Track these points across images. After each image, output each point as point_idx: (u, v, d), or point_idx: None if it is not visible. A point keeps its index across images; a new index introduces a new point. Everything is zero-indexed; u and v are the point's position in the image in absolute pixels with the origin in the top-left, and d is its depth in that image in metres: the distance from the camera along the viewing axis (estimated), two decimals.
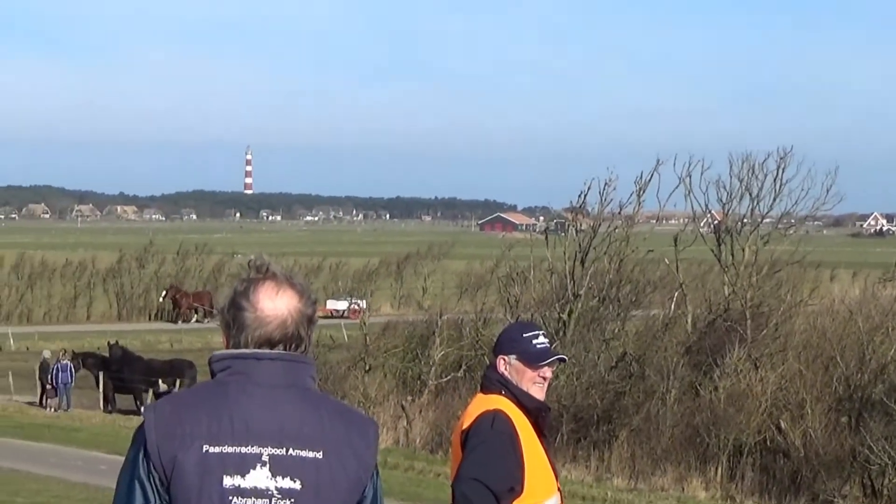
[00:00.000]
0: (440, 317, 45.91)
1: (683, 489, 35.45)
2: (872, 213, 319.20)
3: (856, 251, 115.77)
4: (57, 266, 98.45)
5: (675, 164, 46.33)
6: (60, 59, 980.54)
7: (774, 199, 46.96)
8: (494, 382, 7.99)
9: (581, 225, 46.04)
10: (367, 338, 46.63)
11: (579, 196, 46.16)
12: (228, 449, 4.54)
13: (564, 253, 44.45)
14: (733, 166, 47.01)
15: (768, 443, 36.04)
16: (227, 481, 4.49)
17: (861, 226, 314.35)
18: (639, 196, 46.21)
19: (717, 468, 35.71)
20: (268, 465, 4.56)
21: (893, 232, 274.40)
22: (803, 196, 46.93)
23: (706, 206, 47.84)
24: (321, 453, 4.66)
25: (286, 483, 4.55)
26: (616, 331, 42.73)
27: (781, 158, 46.67)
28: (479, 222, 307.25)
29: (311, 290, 5.02)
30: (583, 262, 44.23)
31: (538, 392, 7.96)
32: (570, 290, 43.23)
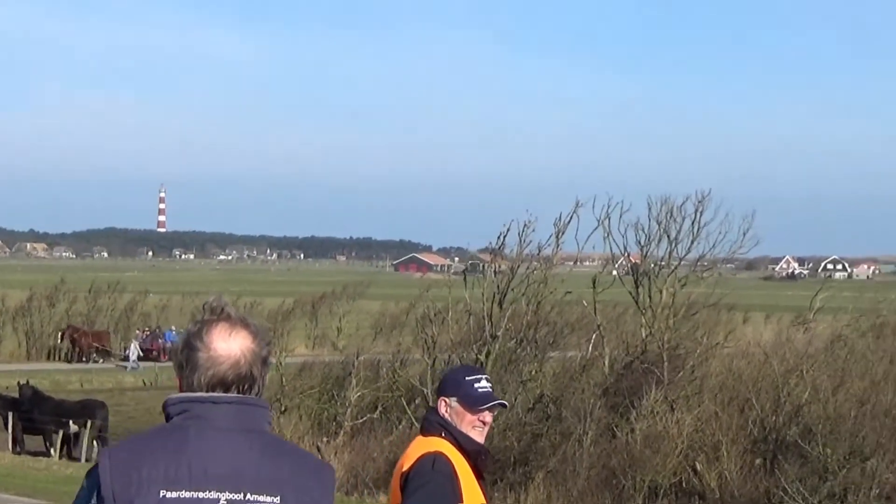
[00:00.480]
0: (357, 357, 46.00)
1: None
2: (784, 257, 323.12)
3: (768, 294, 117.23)
4: None
5: (594, 207, 46.68)
6: None
7: (692, 243, 47.40)
8: (435, 425, 8.16)
9: (499, 266, 46.19)
10: (283, 378, 46.63)
11: (498, 237, 46.31)
12: (186, 494, 4.62)
13: (482, 294, 44.59)
14: (652, 209, 47.42)
15: (684, 485, 36.37)
16: None
17: (773, 269, 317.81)
18: (557, 238, 46.39)
19: None
20: None
21: (804, 275, 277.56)
22: (721, 239, 47.48)
23: (625, 248, 48.26)
24: (278, 498, 4.77)
25: None
26: (533, 372, 42.88)
27: (699, 202, 47.07)
28: (394, 263, 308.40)
29: (266, 332, 5.19)
30: (501, 304, 44.40)
31: (478, 435, 8.12)
32: (488, 331, 43.37)
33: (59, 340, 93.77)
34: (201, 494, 4.68)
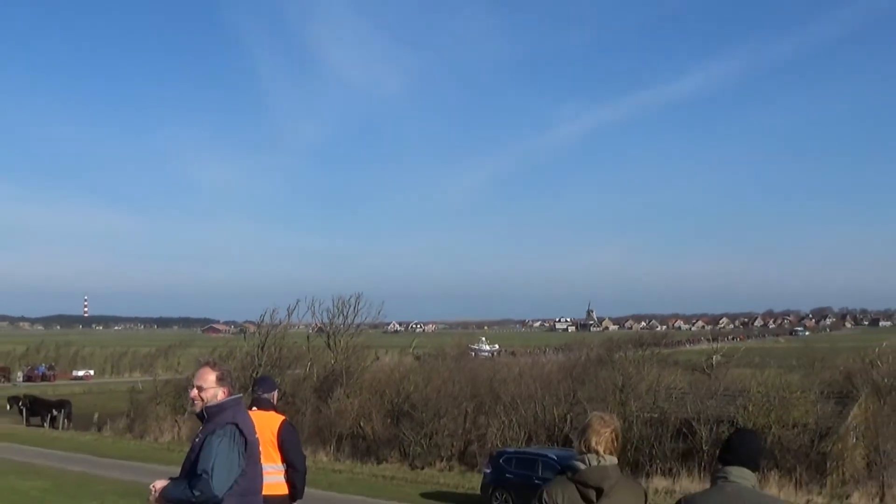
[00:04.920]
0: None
1: (314, 457, 35.22)
2: (391, 322, 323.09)
3: (387, 340, 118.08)
4: None
5: (307, 300, 47.74)
6: None
7: (354, 317, 48.50)
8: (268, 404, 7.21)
9: (260, 330, 46.06)
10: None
11: (261, 316, 46.47)
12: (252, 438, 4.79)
13: (254, 343, 44.32)
14: (334, 301, 48.67)
15: (355, 432, 36.14)
16: None
17: (385, 327, 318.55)
18: (289, 316, 46.68)
19: (331, 446, 35.66)
20: None
21: (401, 330, 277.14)
22: (368, 314, 48.86)
23: (322, 320, 48.92)
24: (255, 436, 4.84)
25: None
26: (279, 381, 42.48)
27: (357, 298, 48.39)
28: (202, 329, 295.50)
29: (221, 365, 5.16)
30: (262, 348, 43.96)
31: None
32: (257, 360, 42.82)
33: None
34: (257, 436, 4.79)
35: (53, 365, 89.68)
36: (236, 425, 4.57)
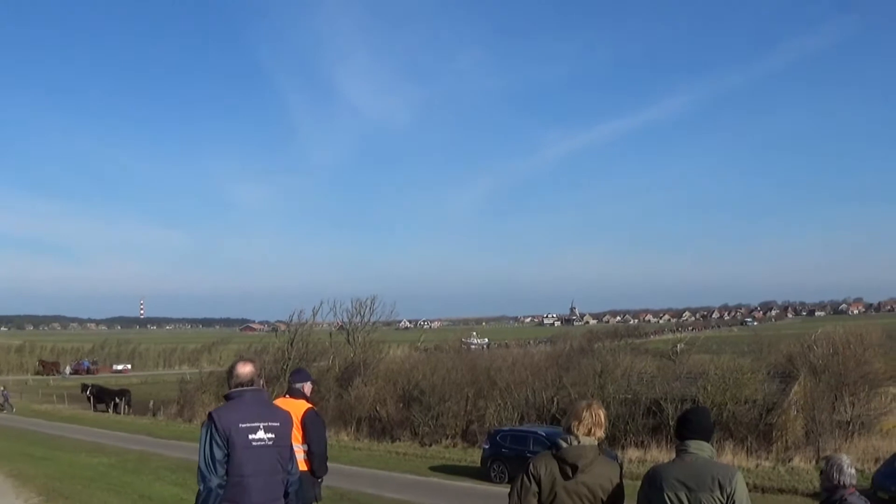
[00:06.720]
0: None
1: (337, 437, 34.96)
2: (402, 319, 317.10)
3: (399, 336, 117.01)
4: None
5: (330, 302, 47.82)
6: None
7: (371, 315, 48.41)
8: (299, 394, 7.03)
9: (290, 327, 45.95)
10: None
11: (290, 317, 46.37)
12: (248, 424, 4.52)
13: (285, 340, 44.26)
14: (353, 302, 48.78)
15: (372, 415, 35.71)
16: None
17: (396, 325, 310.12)
18: (314, 316, 46.71)
19: (352, 427, 35.38)
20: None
21: (411, 327, 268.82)
22: (382, 314, 48.82)
23: (342, 318, 48.92)
24: (278, 423, 4.64)
25: None
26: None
27: (372, 300, 48.38)
28: (240, 328, 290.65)
29: (260, 362, 5.16)
30: (292, 343, 43.91)
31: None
32: (287, 355, 42.79)
33: (38, 365, 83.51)
34: (252, 424, 4.49)
35: (96, 360, 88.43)
36: (210, 414, 4.52)
